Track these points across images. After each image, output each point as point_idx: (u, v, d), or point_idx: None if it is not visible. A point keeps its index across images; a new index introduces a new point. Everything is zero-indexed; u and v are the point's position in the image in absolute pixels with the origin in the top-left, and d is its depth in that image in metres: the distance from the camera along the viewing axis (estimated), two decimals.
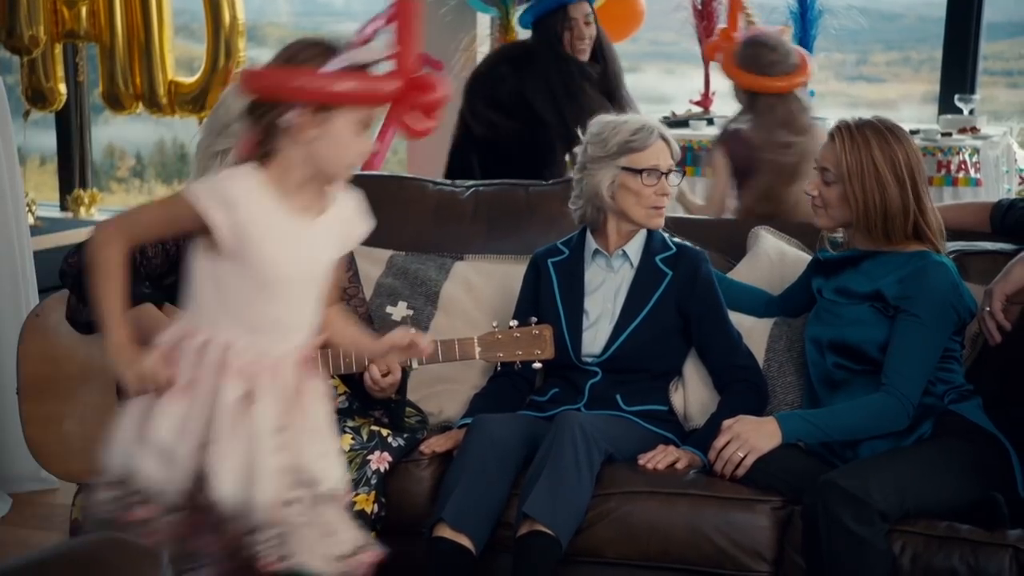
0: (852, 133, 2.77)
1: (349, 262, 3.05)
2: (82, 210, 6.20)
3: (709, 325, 3.01)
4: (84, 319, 2.74)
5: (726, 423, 2.78)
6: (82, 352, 2.75)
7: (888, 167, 2.74)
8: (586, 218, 3.08)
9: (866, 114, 2.83)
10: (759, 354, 3.05)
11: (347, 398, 2.92)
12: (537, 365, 2.88)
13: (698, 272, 3.03)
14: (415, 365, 2.83)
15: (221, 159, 2.86)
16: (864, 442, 2.72)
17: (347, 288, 3.02)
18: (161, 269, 2.82)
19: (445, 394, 3.18)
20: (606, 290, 3.06)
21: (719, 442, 2.77)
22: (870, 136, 2.76)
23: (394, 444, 2.83)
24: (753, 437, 2.74)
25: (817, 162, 2.85)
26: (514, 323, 2.88)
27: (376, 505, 2.73)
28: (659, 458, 2.84)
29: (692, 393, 3.04)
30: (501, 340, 2.85)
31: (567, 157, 4.04)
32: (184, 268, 2.82)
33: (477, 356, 2.85)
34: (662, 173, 2.98)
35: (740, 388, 2.96)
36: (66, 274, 2.73)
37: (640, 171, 2.96)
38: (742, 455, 2.73)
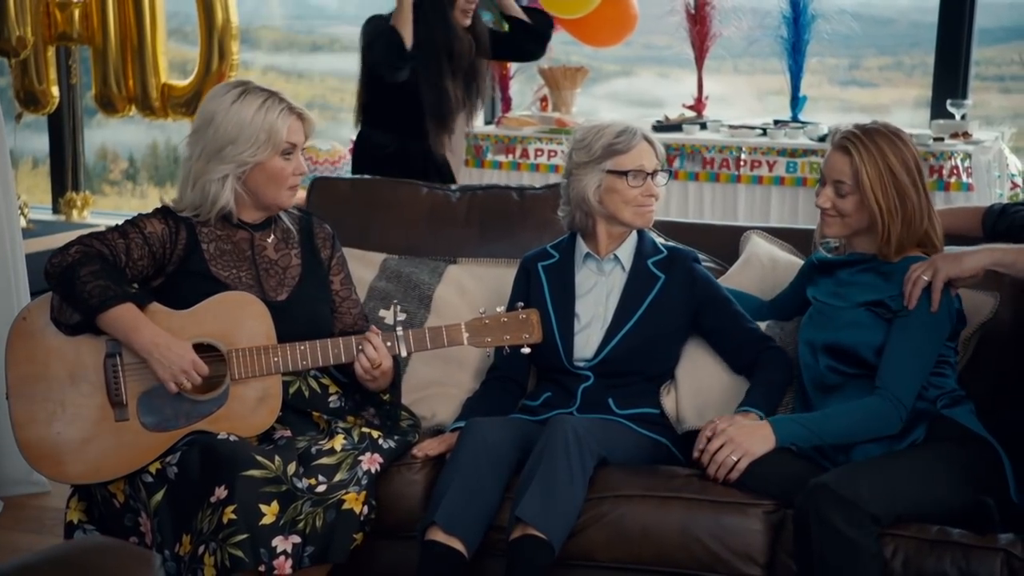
0: (865, 143, 2.74)
1: (341, 265, 3.04)
2: (74, 213, 6.20)
3: (719, 311, 3.02)
4: (69, 320, 2.73)
5: (720, 426, 2.78)
6: (70, 353, 2.74)
7: (904, 171, 2.74)
8: (575, 224, 3.08)
9: (861, 119, 2.82)
10: None
11: (339, 398, 2.92)
12: (526, 350, 2.88)
13: (693, 270, 3.05)
14: (404, 352, 2.83)
15: (221, 185, 2.80)
16: (857, 446, 2.72)
17: (339, 291, 3.01)
18: (147, 271, 2.81)
19: (437, 398, 3.18)
20: (597, 294, 3.06)
21: (712, 445, 2.76)
22: (882, 143, 2.74)
23: (385, 446, 2.83)
24: (746, 441, 2.74)
25: (827, 175, 2.82)
26: (500, 308, 2.88)
27: (366, 507, 2.72)
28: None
29: (684, 396, 3.03)
30: (489, 325, 2.85)
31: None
32: (170, 270, 2.83)
33: (465, 342, 2.85)
34: (648, 174, 2.98)
35: (769, 357, 2.95)
36: (50, 275, 2.72)
37: (625, 173, 2.97)
38: (735, 459, 2.73)
